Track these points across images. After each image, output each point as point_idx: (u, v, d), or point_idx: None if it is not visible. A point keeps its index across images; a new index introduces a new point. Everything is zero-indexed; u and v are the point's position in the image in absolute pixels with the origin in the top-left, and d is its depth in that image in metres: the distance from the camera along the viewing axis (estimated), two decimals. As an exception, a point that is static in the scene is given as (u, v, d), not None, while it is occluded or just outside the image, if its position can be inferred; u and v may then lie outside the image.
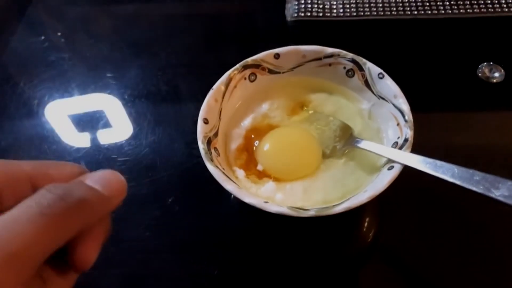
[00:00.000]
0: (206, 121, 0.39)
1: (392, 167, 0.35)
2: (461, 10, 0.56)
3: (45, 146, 0.50)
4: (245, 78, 0.43)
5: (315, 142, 0.42)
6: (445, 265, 0.39)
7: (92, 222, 0.22)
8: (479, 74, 0.52)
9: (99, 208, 0.23)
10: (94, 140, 0.50)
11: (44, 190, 0.21)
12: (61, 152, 0.49)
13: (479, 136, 0.48)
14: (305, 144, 0.42)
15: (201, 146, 0.37)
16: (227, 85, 0.42)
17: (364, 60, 0.42)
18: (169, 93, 0.53)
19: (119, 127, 0.51)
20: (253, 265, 0.41)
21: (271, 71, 0.44)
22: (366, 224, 0.42)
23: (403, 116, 0.38)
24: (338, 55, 0.43)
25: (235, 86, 0.43)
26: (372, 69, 0.41)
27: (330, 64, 0.44)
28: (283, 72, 0.45)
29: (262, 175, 0.40)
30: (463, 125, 0.49)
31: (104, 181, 0.23)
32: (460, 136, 0.48)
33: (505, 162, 0.45)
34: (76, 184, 0.22)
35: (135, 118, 0.51)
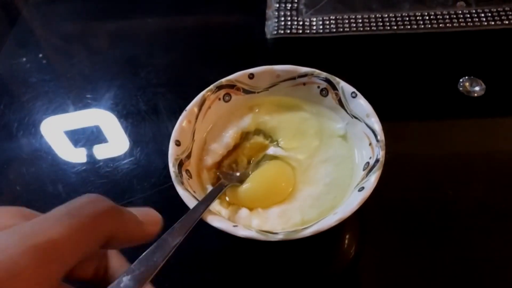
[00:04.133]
0: (178, 143, 0.39)
1: (363, 188, 0.35)
2: (441, 25, 0.56)
3: (24, 169, 0.49)
4: (219, 99, 0.43)
5: (286, 169, 0.41)
6: (428, 284, 0.38)
7: (121, 237, 0.23)
8: (460, 88, 0.51)
9: (130, 224, 0.23)
10: (72, 162, 0.50)
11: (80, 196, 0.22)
12: (40, 175, 0.49)
13: (460, 150, 0.48)
14: (277, 174, 0.42)
15: (172, 169, 0.37)
16: (200, 106, 0.42)
17: (337, 79, 0.42)
18: (148, 113, 0.53)
19: (97, 149, 0.50)
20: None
21: (246, 91, 0.44)
22: (346, 242, 0.42)
23: (375, 135, 0.38)
24: (312, 74, 0.42)
25: (209, 107, 0.42)
26: (345, 88, 0.41)
27: (304, 84, 0.43)
28: (258, 92, 0.44)
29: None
30: (445, 139, 0.48)
31: (139, 210, 0.25)
32: (441, 150, 0.48)
33: (486, 176, 0.45)
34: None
35: (114, 140, 0.51)
